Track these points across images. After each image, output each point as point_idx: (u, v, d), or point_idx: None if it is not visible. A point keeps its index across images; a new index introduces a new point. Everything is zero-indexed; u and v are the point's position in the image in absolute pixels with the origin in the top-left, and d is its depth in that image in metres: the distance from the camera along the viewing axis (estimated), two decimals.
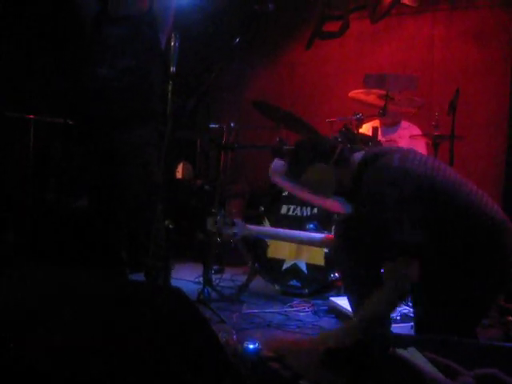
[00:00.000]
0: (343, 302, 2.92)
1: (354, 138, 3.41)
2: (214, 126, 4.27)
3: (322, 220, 3.37)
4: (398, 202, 1.96)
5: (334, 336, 1.92)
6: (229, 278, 3.78)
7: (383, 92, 3.67)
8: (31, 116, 4.05)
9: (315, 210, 3.43)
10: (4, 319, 1.42)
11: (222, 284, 3.58)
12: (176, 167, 5.05)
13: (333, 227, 3.22)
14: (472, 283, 1.96)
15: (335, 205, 2.30)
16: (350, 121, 3.61)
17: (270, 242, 3.51)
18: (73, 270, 1.61)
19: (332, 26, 5.05)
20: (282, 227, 3.34)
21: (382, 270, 2.43)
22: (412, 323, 2.37)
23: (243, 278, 3.56)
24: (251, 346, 1.91)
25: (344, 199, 2.25)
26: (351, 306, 2.40)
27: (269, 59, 5.75)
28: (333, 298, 3.15)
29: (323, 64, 5.43)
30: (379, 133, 3.99)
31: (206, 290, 3.22)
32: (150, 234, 2.99)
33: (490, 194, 2.11)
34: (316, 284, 3.39)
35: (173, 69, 2.72)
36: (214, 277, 3.46)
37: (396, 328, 2.62)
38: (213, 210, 2.92)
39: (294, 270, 3.44)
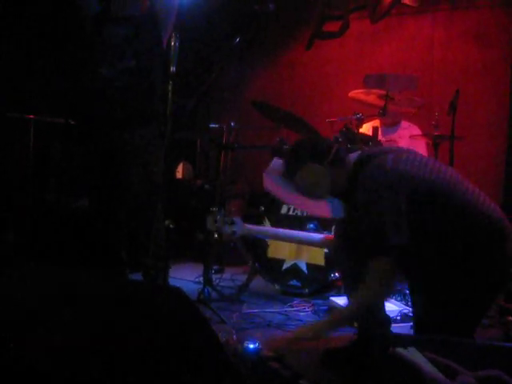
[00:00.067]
0: (343, 302, 2.92)
1: (355, 138, 3.42)
2: (214, 125, 4.26)
3: (322, 220, 3.37)
4: (387, 204, 1.97)
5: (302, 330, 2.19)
6: (229, 277, 3.78)
7: (383, 92, 3.67)
8: (31, 116, 4.05)
9: None
10: (4, 319, 1.42)
11: (222, 284, 3.58)
12: (176, 167, 5.06)
13: (333, 227, 3.21)
14: (471, 283, 1.96)
15: (325, 210, 2.30)
16: (350, 121, 3.61)
17: (270, 241, 3.51)
18: (73, 270, 1.61)
19: (332, 26, 5.05)
20: (282, 227, 3.34)
21: None
22: (412, 323, 2.38)
23: (243, 278, 3.56)
24: (251, 346, 1.91)
25: (339, 200, 2.25)
26: None
27: (269, 59, 5.76)
28: (333, 298, 3.16)
29: (323, 64, 5.43)
30: (379, 133, 3.98)
31: (206, 290, 3.22)
32: (150, 234, 2.99)
33: (489, 194, 2.11)
34: (316, 284, 3.39)
35: (173, 69, 2.72)
36: (214, 277, 3.46)
37: (396, 328, 2.63)
38: (212, 209, 2.91)
39: (294, 270, 3.44)
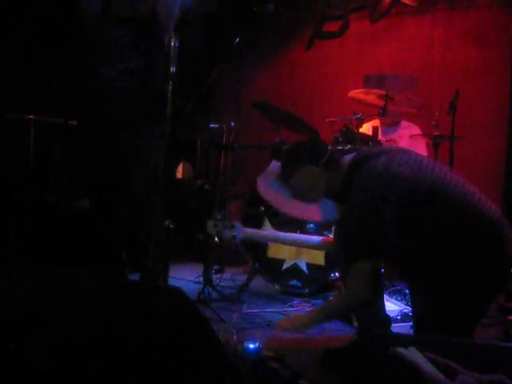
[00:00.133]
0: None
1: (354, 138, 3.42)
2: (213, 126, 4.26)
3: None
4: (369, 214, 2.01)
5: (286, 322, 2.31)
6: (229, 277, 3.78)
7: (383, 92, 3.67)
8: (31, 116, 4.05)
9: None
10: (4, 319, 1.42)
11: (222, 284, 3.58)
12: (176, 167, 5.05)
13: (333, 227, 3.21)
14: (470, 283, 1.96)
15: (315, 213, 2.32)
16: (350, 121, 3.61)
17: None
18: (73, 270, 1.61)
19: (332, 26, 5.06)
20: (282, 227, 3.34)
21: (381, 270, 2.44)
22: (412, 323, 2.38)
23: (243, 278, 3.56)
24: (251, 346, 1.91)
25: (332, 202, 2.27)
26: None
27: (269, 59, 5.75)
28: None
29: (323, 64, 5.43)
30: (379, 133, 3.98)
31: (206, 290, 3.22)
32: (150, 234, 2.99)
33: (489, 194, 2.11)
34: (316, 284, 3.39)
35: (173, 69, 2.72)
36: (214, 277, 3.46)
37: (396, 328, 2.63)
38: (212, 213, 2.92)
39: (295, 270, 3.44)
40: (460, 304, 1.97)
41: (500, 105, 4.63)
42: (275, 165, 2.34)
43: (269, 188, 2.32)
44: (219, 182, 3.57)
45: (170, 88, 2.70)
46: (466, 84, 4.43)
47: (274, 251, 3.50)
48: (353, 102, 4.01)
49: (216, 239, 3.24)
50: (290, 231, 3.33)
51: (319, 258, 3.36)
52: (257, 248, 3.54)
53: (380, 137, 3.97)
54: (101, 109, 3.13)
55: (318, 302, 3.27)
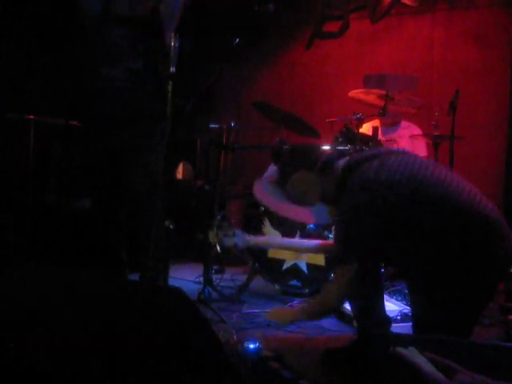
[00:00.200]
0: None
1: (354, 138, 3.41)
2: (214, 126, 4.27)
3: None
4: (355, 221, 2.04)
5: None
6: (229, 277, 3.78)
7: (383, 92, 3.67)
8: (31, 117, 4.05)
9: None
10: (4, 319, 1.42)
11: (222, 284, 3.57)
12: (176, 167, 5.05)
13: (333, 227, 3.21)
14: (468, 282, 1.97)
15: (309, 217, 2.36)
16: (350, 121, 3.61)
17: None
18: (73, 270, 1.61)
19: (332, 26, 5.06)
20: (282, 227, 3.34)
21: (382, 270, 2.44)
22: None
23: (243, 278, 3.56)
24: (251, 346, 1.91)
25: (328, 206, 2.29)
26: (351, 306, 2.40)
27: (269, 59, 5.75)
28: None
29: (323, 64, 5.43)
30: (379, 133, 3.98)
31: (206, 290, 3.22)
32: (150, 234, 2.99)
33: (489, 194, 2.11)
34: (316, 284, 3.38)
35: (172, 69, 2.72)
36: (214, 277, 3.46)
37: (396, 328, 2.62)
38: (212, 221, 2.94)
39: (295, 270, 3.44)
40: (458, 303, 1.97)
41: (500, 105, 4.63)
42: (271, 170, 2.39)
43: (264, 192, 2.36)
44: (219, 182, 3.57)
45: (169, 88, 2.70)
46: (466, 84, 4.43)
47: (274, 251, 3.50)
48: (353, 102, 4.01)
49: (218, 248, 3.25)
50: (291, 231, 3.34)
51: (319, 258, 3.36)
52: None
53: (380, 137, 3.97)
54: (101, 109, 3.13)
55: None
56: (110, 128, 3.15)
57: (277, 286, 3.49)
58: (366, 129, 3.95)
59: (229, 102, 5.65)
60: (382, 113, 3.67)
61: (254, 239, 2.83)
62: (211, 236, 2.98)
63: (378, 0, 4.69)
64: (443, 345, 1.38)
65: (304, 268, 3.42)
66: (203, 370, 1.32)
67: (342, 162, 2.20)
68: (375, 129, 3.80)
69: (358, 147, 3.30)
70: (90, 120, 3.20)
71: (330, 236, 3.22)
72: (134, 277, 3.30)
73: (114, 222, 3.25)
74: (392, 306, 3.00)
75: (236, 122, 3.76)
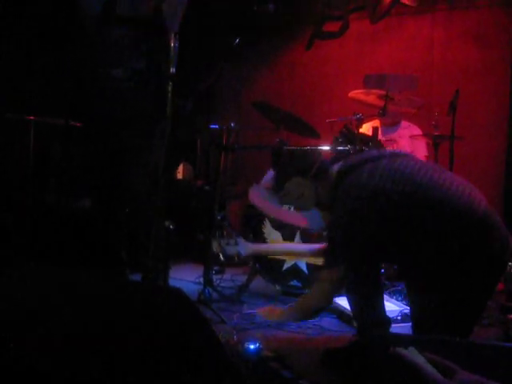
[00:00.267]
0: (343, 302, 2.92)
1: (354, 138, 3.41)
2: (214, 126, 4.27)
3: None
4: (343, 229, 2.08)
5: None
6: (229, 278, 3.78)
7: (383, 92, 3.67)
8: (31, 117, 4.05)
9: None
10: (4, 319, 1.42)
11: (222, 284, 3.57)
12: (176, 168, 5.05)
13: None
14: (467, 282, 1.97)
15: (303, 221, 2.39)
16: (350, 121, 3.61)
17: (270, 241, 3.51)
18: (73, 270, 1.61)
19: (332, 26, 5.06)
20: (282, 227, 3.34)
21: (382, 270, 2.44)
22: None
23: (243, 279, 3.56)
24: (252, 346, 1.91)
25: (321, 211, 2.31)
26: (351, 306, 2.40)
27: (269, 59, 5.75)
28: (333, 299, 3.15)
29: (323, 64, 5.43)
30: (379, 133, 3.99)
31: (206, 291, 3.22)
32: (150, 234, 2.99)
33: (489, 194, 2.11)
34: None
35: (172, 69, 2.72)
36: (214, 277, 3.46)
37: (396, 328, 2.62)
38: (213, 233, 2.97)
39: (295, 270, 3.44)
40: (457, 303, 1.98)
41: (500, 105, 4.63)
42: (267, 177, 2.41)
43: (260, 196, 2.39)
44: (219, 182, 3.57)
45: (169, 88, 2.70)
46: (466, 84, 4.44)
47: None
48: (353, 103, 4.01)
49: (221, 257, 3.27)
50: (291, 231, 3.34)
51: (319, 258, 3.36)
52: None
53: (380, 137, 3.97)
54: (101, 109, 3.13)
55: None
56: (110, 128, 3.15)
57: (277, 287, 3.49)
58: (365, 129, 3.95)
59: (229, 102, 5.65)
60: (381, 113, 3.67)
61: (256, 247, 2.85)
62: (214, 246, 3.01)
63: (378, 0, 4.69)
64: (443, 345, 1.38)
65: (304, 268, 3.42)
66: (203, 371, 1.32)
67: (336, 167, 2.21)
68: (375, 129, 3.80)
69: (358, 147, 3.30)
70: (90, 120, 3.20)
71: None
72: (136, 278, 3.30)
73: (114, 221, 3.25)
74: (392, 306, 3.00)
75: (236, 122, 3.76)
